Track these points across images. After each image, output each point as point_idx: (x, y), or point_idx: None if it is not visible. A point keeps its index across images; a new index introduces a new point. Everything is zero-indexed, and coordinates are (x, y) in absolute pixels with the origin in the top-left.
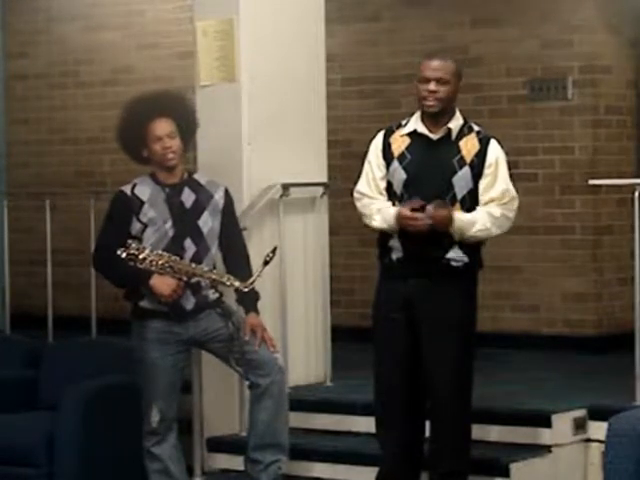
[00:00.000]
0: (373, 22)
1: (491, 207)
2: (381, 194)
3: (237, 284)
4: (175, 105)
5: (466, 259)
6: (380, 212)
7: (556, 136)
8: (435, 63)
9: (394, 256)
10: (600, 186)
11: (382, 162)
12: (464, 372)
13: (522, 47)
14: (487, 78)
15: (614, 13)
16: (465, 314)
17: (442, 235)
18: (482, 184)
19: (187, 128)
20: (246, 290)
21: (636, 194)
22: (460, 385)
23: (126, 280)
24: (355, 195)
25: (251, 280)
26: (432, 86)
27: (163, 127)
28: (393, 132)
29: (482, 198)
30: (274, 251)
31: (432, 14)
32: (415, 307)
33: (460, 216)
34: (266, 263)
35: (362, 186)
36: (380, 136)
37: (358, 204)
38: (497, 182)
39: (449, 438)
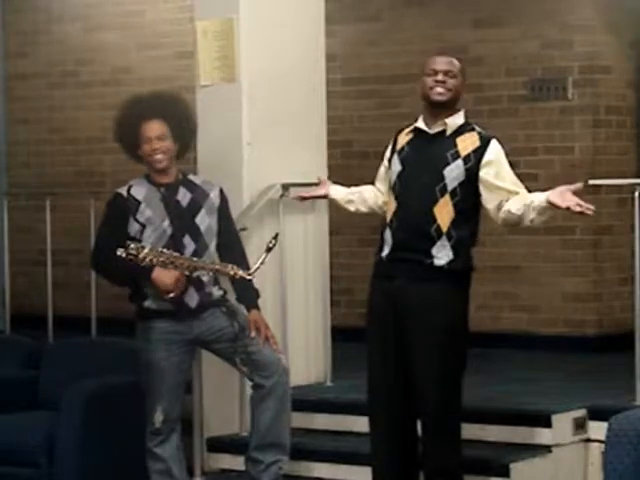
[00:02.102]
0: (373, 22)
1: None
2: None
3: (241, 273)
4: (169, 107)
5: (451, 257)
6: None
7: (556, 136)
8: (444, 58)
9: (384, 252)
10: (600, 186)
11: (388, 155)
12: (451, 373)
13: (522, 47)
14: (487, 78)
15: (614, 13)
16: (451, 315)
17: (429, 227)
18: (490, 180)
19: (182, 130)
20: (250, 278)
21: (636, 194)
22: (447, 386)
23: (127, 277)
24: None
25: (255, 267)
26: (440, 76)
27: (153, 129)
28: (403, 130)
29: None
30: (276, 237)
31: (432, 14)
32: (401, 306)
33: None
34: (269, 250)
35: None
36: (395, 134)
37: None
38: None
39: (437, 437)
